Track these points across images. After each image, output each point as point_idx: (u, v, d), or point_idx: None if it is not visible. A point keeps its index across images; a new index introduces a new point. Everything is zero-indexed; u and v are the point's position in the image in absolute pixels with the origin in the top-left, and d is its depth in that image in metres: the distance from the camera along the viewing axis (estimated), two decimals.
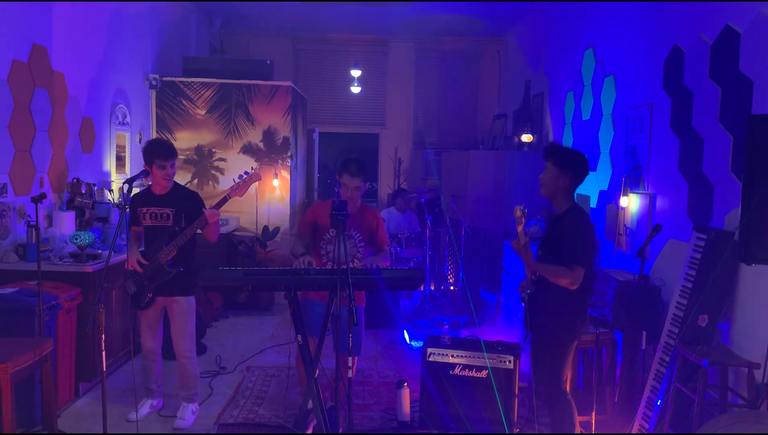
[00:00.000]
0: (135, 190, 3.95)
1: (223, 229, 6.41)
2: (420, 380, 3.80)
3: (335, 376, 3.08)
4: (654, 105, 4.20)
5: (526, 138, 6.60)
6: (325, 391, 3.95)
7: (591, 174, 5.25)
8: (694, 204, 3.67)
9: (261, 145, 6.80)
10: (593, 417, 3.55)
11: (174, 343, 3.78)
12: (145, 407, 3.89)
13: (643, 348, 3.65)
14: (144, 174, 3.58)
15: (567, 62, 5.99)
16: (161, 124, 6.66)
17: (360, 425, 3.83)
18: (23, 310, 3.52)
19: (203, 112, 6.71)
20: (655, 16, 4.25)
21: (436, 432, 3.68)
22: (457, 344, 3.79)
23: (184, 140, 6.71)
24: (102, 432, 2.95)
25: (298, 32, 8.85)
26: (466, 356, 3.70)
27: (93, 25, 5.21)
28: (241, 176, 3.67)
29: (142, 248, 3.74)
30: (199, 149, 6.75)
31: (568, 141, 5.88)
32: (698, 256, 3.23)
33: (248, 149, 6.79)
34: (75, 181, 4.70)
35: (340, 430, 3.29)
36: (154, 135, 6.64)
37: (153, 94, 6.59)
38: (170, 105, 6.65)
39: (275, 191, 6.85)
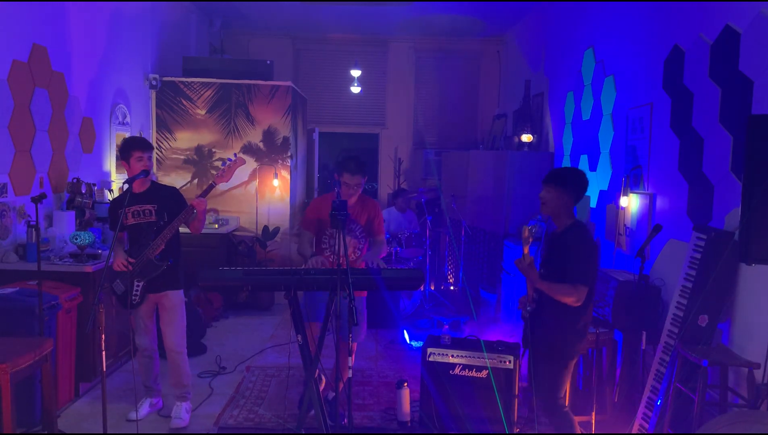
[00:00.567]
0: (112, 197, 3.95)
1: (223, 229, 6.41)
2: (420, 380, 3.80)
3: (335, 365, 3.09)
4: (654, 105, 4.20)
5: (526, 138, 6.60)
6: (326, 392, 3.96)
7: (591, 174, 5.27)
8: (694, 204, 3.67)
9: (261, 145, 6.80)
10: (593, 417, 3.55)
11: (164, 338, 3.76)
12: (145, 406, 3.89)
13: (643, 348, 3.65)
14: (144, 174, 3.57)
15: (567, 62, 5.99)
16: (161, 124, 6.66)
17: (360, 425, 3.84)
18: (23, 310, 3.52)
19: (203, 112, 6.71)
20: (655, 16, 4.25)
21: (436, 432, 3.68)
22: (457, 344, 3.79)
23: (184, 140, 6.71)
24: (102, 432, 2.95)
25: (298, 32, 8.85)
26: (466, 356, 3.70)
27: (93, 25, 5.22)
28: (224, 163, 3.69)
29: (127, 248, 3.70)
30: (199, 149, 6.75)
31: (568, 141, 5.88)
32: (698, 256, 3.23)
33: (248, 149, 6.79)
34: (75, 181, 4.70)
35: (342, 422, 3.30)
36: (154, 135, 6.65)
37: (153, 94, 6.59)
38: (170, 105, 6.66)
39: (275, 191, 6.85)
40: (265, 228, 6.66)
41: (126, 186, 3.45)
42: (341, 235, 2.91)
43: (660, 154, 4.11)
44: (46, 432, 3.37)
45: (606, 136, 4.98)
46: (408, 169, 9.22)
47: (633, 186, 4.43)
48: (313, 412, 3.68)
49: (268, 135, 6.80)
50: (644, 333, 3.62)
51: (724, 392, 3.06)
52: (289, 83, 6.87)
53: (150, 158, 3.67)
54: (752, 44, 3.16)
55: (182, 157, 6.72)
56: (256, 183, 6.82)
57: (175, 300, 3.72)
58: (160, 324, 3.78)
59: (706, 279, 3.17)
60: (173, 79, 6.64)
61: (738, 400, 3.04)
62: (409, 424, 3.81)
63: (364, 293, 3.87)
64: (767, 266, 2.66)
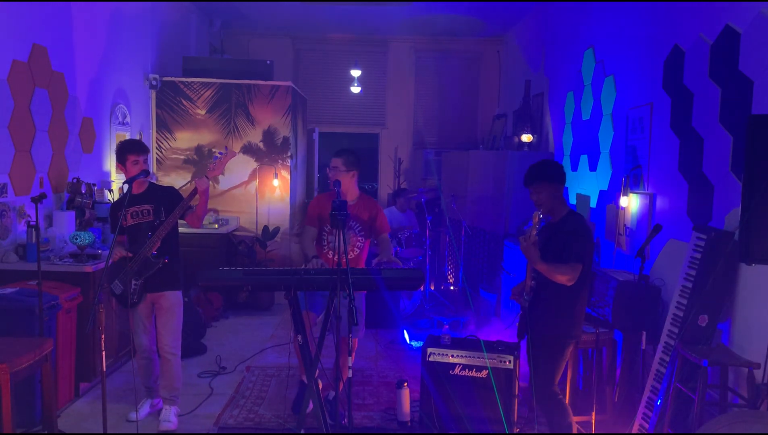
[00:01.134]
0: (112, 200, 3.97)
1: (223, 229, 6.41)
2: (420, 380, 3.80)
3: (335, 364, 3.10)
4: (654, 105, 4.20)
5: (526, 138, 6.60)
6: (325, 392, 3.96)
7: (591, 174, 5.27)
8: (694, 204, 3.67)
9: (261, 145, 6.80)
10: (593, 417, 3.55)
11: (158, 339, 3.75)
12: (145, 407, 3.89)
13: (643, 348, 3.65)
14: (144, 174, 3.58)
15: (567, 62, 5.99)
16: (161, 124, 6.67)
17: (360, 425, 3.84)
18: (23, 310, 3.52)
19: (203, 112, 6.71)
20: (655, 16, 4.25)
21: (436, 432, 3.67)
22: (457, 344, 3.79)
23: (184, 140, 6.71)
24: (102, 432, 2.95)
25: (298, 32, 8.85)
26: (466, 356, 3.70)
27: (93, 25, 5.22)
28: (216, 157, 3.70)
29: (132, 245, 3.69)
30: (199, 149, 6.75)
31: (568, 141, 5.88)
32: (698, 256, 3.23)
33: (248, 149, 6.79)
34: (75, 181, 4.70)
35: (342, 421, 3.31)
36: (154, 135, 6.65)
37: (153, 94, 6.59)
38: (170, 105, 6.66)
39: (275, 191, 6.85)
40: (265, 228, 6.66)
41: (126, 187, 3.45)
42: (341, 235, 2.91)
43: (660, 154, 4.11)
44: (46, 432, 3.37)
45: (606, 136, 4.98)
46: (408, 169, 9.22)
47: (633, 186, 4.43)
48: (310, 410, 3.69)
49: (268, 135, 6.80)
50: (644, 333, 3.61)
51: (724, 392, 3.06)
52: (289, 83, 6.87)
53: (146, 161, 3.67)
54: (752, 44, 3.16)
55: (182, 157, 6.72)
56: (256, 183, 6.82)
57: (172, 300, 3.71)
58: (156, 324, 3.76)
59: (706, 279, 3.17)
60: (173, 79, 6.64)
61: (738, 400, 3.04)
62: (409, 424, 3.81)
63: (363, 290, 3.90)
64: (767, 266, 2.66)
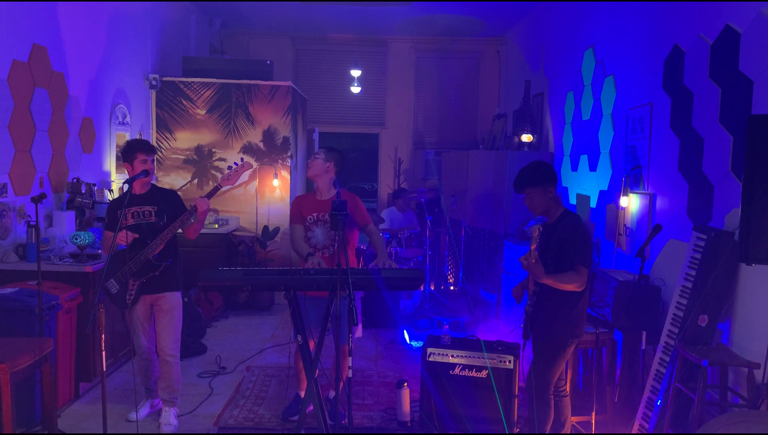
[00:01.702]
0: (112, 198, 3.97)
1: (223, 229, 6.41)
2: (420, 380, 3.80)
3: (335, 364, 3.10)
4: (654, 105, 4.20)
5: (526, 138, 6.60)
6: (325, 392, 3.96)
7: (591, 174, 5.27)
8: (694, 204, 3.67)
9: (261, 145, 6.80)
10: (593, 417, 3.55)
11: (157, 341, 3.72)
12: (145, 407, 3.89)
13: (643, 348, 3.65)
14: (144, 174, 3.56)
15: (567, 62, 5.99)
16: (161, 124, 6.67)
17: (360, 425, 3.84)
18: (23, 310, 3.52)
19: (203, 112, 6.71)
20: (655, 16, 4.25)
21: (436, 432, 3.67)
22: (457, 344, 3.79)
23: (184, 140, 6.71)
24: (102, 432, 2.95)
25: (298, 32, 8.85)
26: (466, 356, 3.70)
27: (93, 25, 5.22)
28: (230, 167, 3.69)
29: (124, 248, 3.64)
30: (199, 149, 6.75)
31: (568, 141, 5.88)
32: (698, 256, 3.23)
33: (248, 149, 6.79)
34: (75, 181, 4.70)
35: (342, 421, 3.30)
36: (154, 135, 6.65)
37: (153, 94, 6.59)
38: (170, 105, 6.66)
39: (275, 191, 6.85)
40: (265, 228, 6.66)
41: (126, 186, 3.45)
42: (341, 235, 2.91)
43: (660, 154, 4.11)
44: (46, 432, 3.37)
45: (606, 136, 4.98)
46: (408, 169, 9.22)
47: (633, 186, 4.43)
48: (310, 410, 3.69)
49: (268, 135, 6.80)
50: (644, 333, 3.62)
51: (724, 392, 3.06)
52: (289, 83, 6.87)
53: (153, 161, 3.68)
54: (752, 44, 3.16)
55: (182, 157, 6.72)
56: (256, 183, 6.82)
57: (172, 302, 3.70)
58: (155, 326, 3.73)
59: (706, 279, 3.17)
60: (173, 79, 6.64)
61: (738, 400, 3.04)
62: (409, 424, 3.81)
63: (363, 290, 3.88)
64: (767, 266, 2.66)
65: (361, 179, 9.29)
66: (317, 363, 3.20)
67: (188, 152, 6.74)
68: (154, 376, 3.87)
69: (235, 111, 6.75)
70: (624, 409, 3.68)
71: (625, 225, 4.53)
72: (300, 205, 3.86)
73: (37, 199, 3.37)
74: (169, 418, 3.70)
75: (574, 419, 3.67)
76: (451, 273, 7.29)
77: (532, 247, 2.93)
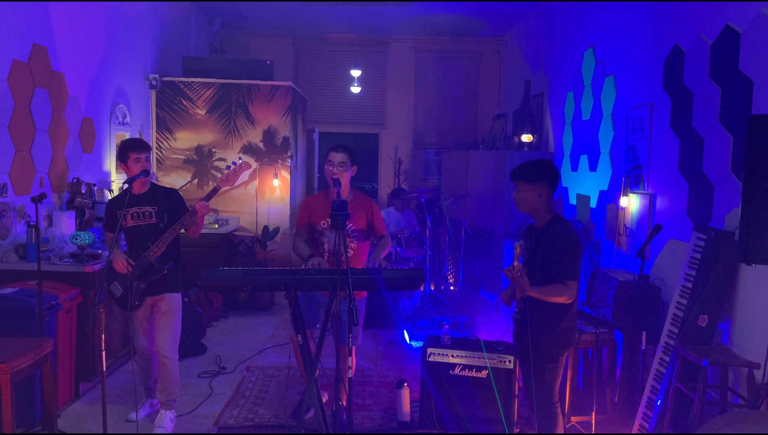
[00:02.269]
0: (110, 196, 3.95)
1: (223, 229, 6.42)
2: (420, 380, 3.79)
3: (336, 375, 3.08)
4: (654, 105, 4.20)
5: (526, 138, 6.60)
6: (325, 392, 3.96)
7: (591, 174, 5.27)
8: (694, 204, 3.67)
9: (261, 145, 6.80)
10: (593, 417, 3.55)
11: (156, 341, 3.68)
12: (145, 407, 3.88)
13: (643, 348, 3.65)
14: (144, 174, 3.55)
15: (567, 62, 5.99)
16: (161, 124, 6.67)
17: (360, 425, 3.84)
18: (23, 310, 3.52)
19: (203, 112, 6.71)
20: (655, 16, 4.25)
21: (436, 432, 3.67)
22: (457, 344, 3.79)
23: (184, 140, 6.71)
24: (102, 432, 2.95)
25: (298, 32, 8.85)
26: (466, 356, 3.70)
27: (93, 25, 5.22)
28: (228, 167, 3.63)
29: (124, 250, 3.64)
30: (199, 149, 6.75)
31: (568, 141, 5.88)
32: (698, 256, 3.24)
33: (248, 149, 6.79)
34: (75, 181, 4.70)
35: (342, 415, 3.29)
36: (154, 135, 6.65)
37: (153, 94, 6.59)
38: (170, 105, 6.66)
39: (275, 191, 6.85)
40: (265, 228, 6.66)
41: (126, 186, 3.44)
42: (341, 235, 2.90)
43: (660, 154, 4.11)
44: (46, 432, 3.37)
45: (606, 136, 4.98)
46: (408, 169, 9.22)
47: (633, 186, 4.43)
48: (310, 416, 3.69)
49: (268, 135, 6.81)
50: (644, 333, 3.62)
51: (724, 392, 3.06)
52: (289, 83, 6.87)
53: (148, 159, 3.62)
54: (752, 44, 3.16)
55: (182, 157, 6.72)
56: (256, 183, 6.82)
57: (171, 303, 3.66)
58: (154, 326, 3.70)
59: (706, 279, 3.17)
60: (173, 79, 6.64)
61: (738, 400, 3.04)
62: (409, 424, 3.81)
63: (364, 295, 3.84)
64: (767, 266, 2.66)
65: (361, 179, 9.27)
66: (317, 363, 3.20)
67: (188, 152, 6.74)
68: (154, 375, 3.85)
69: (235, 111, 6.75)
70: (624, 409, 3.68)
71: (625, 225, 4.54)
72: (310, 211, 3.71)
73: (37, 199, 3.37)
74: (164, 421, 3.64)
75: (574, 419, 3.67)
76: (451, 273, 7.29)
77: (516, 262, 2.76)
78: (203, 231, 6.12)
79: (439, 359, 3.72)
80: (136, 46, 6.12)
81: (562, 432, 3.06)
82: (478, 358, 3.67)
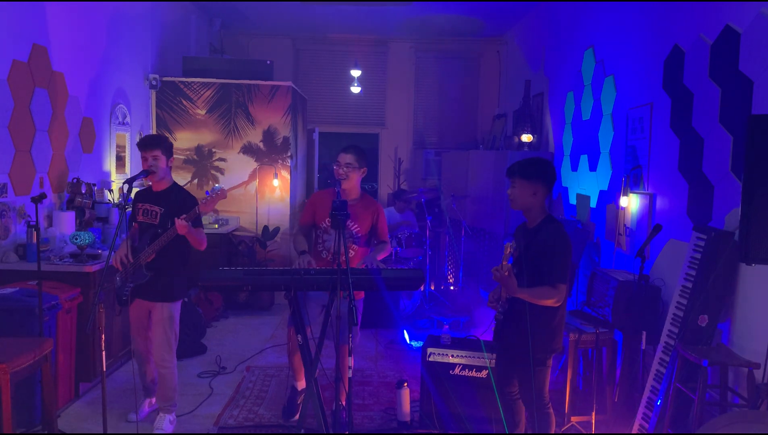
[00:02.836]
0: (135, 190, 3.96)
1: (223, 229, 6.41)
2: (420, 380, 3.80)
3: (335, 375, 3.08)
4: (654, 105, 4.20)
5: (526, 138, 6.60)
6: (325, 392, 3.96)
7: (591, 174, 5.27)
8: (694, 204, 3.67)
9: (261, 145, 6.80)
10: (593, 417, 3.55)
11: (152, 348, 3.69)
12: (143, 407, 3.88)
13: (643, 348, 3.65)
14: (144, 174, 3.56)
15: (567, 62, 5.99)
16: (161, 124, 6.67)
17: (360, 425, 3.84)
18: (23, 310, 3.52)
19: (203, 112, 6.71)
20: (655, 16, 4.25)
21: (436, 432, 3.68)
22: (457, 344, 3.79)
23: (184, 140, 6.71)
24: (102, 432, 2.95)
25: (298, 32, 8.85)
26: (466, 356, 3.70)
27: (93, 25, 5.22)
28: (208, 192, 3.45)
29: (137, 244, 3.63)
30: (199, 149, 6.75)
31: (568, 141, 5.88)
32: (698, 256, 3.24)
33: (248, 149, 6.79)
34: (75, 181, 4.70)
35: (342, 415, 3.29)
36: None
37: (153, 94, 6.59)
38: (170, 105, 6.66)
39: (275, 191, 6.85)
40: (265, 228, 6.66)
41: (126, 186, 3.45)
42: (341, 236, 2.90)
43: (660, 154, 4.11)
44: (46, 432, 3.37)
45: (606, 136, 4.98)
46: (408, 169, 9.22)
47: (633, 186, 4.43)
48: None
49: (268, 135, 6.80)
50: (644, 333, 3.62)
51: (724, 392, 3.06)
52: (289, 83, 6.87)
53: (156, 157, 3.53)
54: (752, 44, 3.16)
55: (182, 157, 6.72)
56: (256, 183, 6.82)
57: (163, 313, 3.58)
58: (150, 333, 3.68)
59: (706, 279, 3.17)
60: (173, 79, 6.64)
61: (738, 400, 3.04)
62: (409, 424, 3.81)
63: (362, 295, 3.83)
64: (767, 266, 2.66)
65: (361, 179, 9.23)
66: (317, 363, 3.20)
67: (188, 152, 6.74)
68: (150, 375, 3.85)
69: (235, 111, 6.75)
70: (624, 409, 3.68)
71: (625, 225, 4.54)
72: (315, 208, 3.67)
73: (37, 199, 3.37)
74: (162, 424, 3.63)
75: (574, 419, 3.67)
76: (451, 273, 7.29)
77: (505, 262, 2.73)
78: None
79: (439, 359, 3.72)
80: (136, 46, 6.12)
81: (555, 432, 3.05)
82: (478, 358, 3.67)
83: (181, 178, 6.70)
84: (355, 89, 8.69)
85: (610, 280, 3.87)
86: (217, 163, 6.76)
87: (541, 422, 2.99)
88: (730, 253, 3.09)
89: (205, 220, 5.96)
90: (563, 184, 5.99)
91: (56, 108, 4.61)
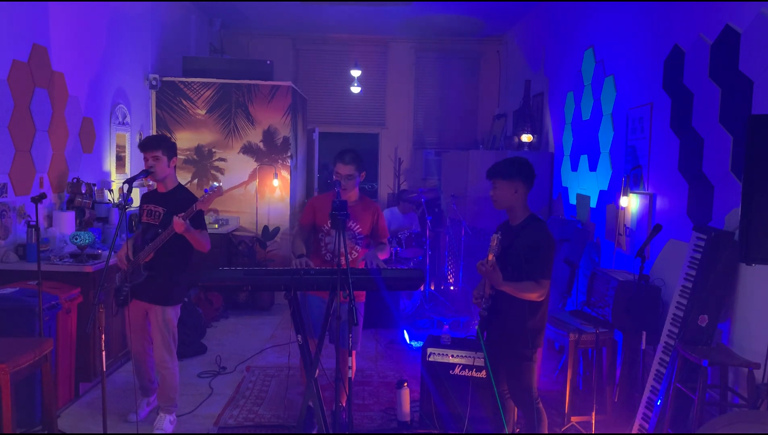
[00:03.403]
0: (135, 190, 3.97)
1: (223, 229, 6.41)
2: (420, 380, 3.80)
3: (335, 375, 3.08)
4: (654, 105, 4.20)
5: (526, 138, 6.60)
6: (325, 392, 3.95)
7: (591, 174, 5.27)
8: (694, 204, 3.67)
9: (261, 145, 6.80)
10: (593, 417, 3.55)
11: (152, 351, 3.70)
12: (143, 406, 3.88)
13: (643, 348, 3.65)
14: (144, 174, 3.55)
15: (567, 62, 5.99)
16: (161, 124, 6.67)
17: (360, 425, 3.84)
18: (23, 310, 3.52)
19: (203, 112, 6.71)
20: (655, 16, 4.25)
21: (436, 432, 3.68)
22: (457, 344, 3.79)
23: (184, 140, 6.71)
24: (102, 432, 2.95)
25: (298, 32, 8.85)
26: (466, 356, 3.70)
27: (93, 25, 5.22)
28: (206, 190, 3.45)
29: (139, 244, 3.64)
30: (199, 149, 6.75)
31: (568, 141, 5.88)
32: (698, 256, 3.23)
33: (248, 149, 6.79)
34: (75, 181, 4.70)
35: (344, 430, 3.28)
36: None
37: (153, 94, 6.59)
38: (170, 105, 6.66)
39: (275, 191, 6.85)
40: (265, 228, 6.66)
41: (126, 186, 3.44)
42: (341, 236, 2.90)
43: (660, 154, 4.11)
44: (46, 432, 3.37)
45: (606, 136, 4.98)
46: (408, 169, 9.22)
47: (633, 186, 4.43)
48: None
49: (268, 135, 6.81)
50: (644, 333, 3.62)
51: (724, 392, 3.06)
52: (289, 83, 6.87)
53: (156, 157, 3.51)
54: (752, 44, 3.16)
55: (182, 157, 6.71)
56: (256, 183, 6.82)
57: (159, 316, 3.57)
58: (150, 334, 3.70)
59: (706, 279, 3.17)
60: (173, 79, 6.64)
61: (738, 400, 3.04)
62: (409, 424, 3.81)
63: (363, 298, 3.82)
64: (767, 266, 2.66)
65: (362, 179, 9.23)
66: (317, 363, 3.20)
67: (188, 152, 6.74)
68: (148, 374, 3.85)
69: (235, 111, 6.75)
70: (624, 409, 3.68)
71: (625, 225, 4.53)
72: (315, 211, 3.66)
73: (37, 199, 3.37)
74: (162, 423, 3.63)
75: (574, 419, 3.67)
76: (451, 273, 7.29)
77: (491, 256, 2.78)
78: None
79: (439, 359, 3.72)
80: (136, 46, 6.12)
81: (555, 432, 3.05)
82: (478, 358, 3.67)
83: (181, 178, 6.70)
84: (355, 89, 8.69)
85: (610, 280, 3.87)
86: (217, 163, 6.76)
87: (533, 420, 3.01)
88: (730, 253, 3.09)
89: (206, 220, 5.95)
90: (563, 184, 6.00)
91: (56, 108, 4.61)
